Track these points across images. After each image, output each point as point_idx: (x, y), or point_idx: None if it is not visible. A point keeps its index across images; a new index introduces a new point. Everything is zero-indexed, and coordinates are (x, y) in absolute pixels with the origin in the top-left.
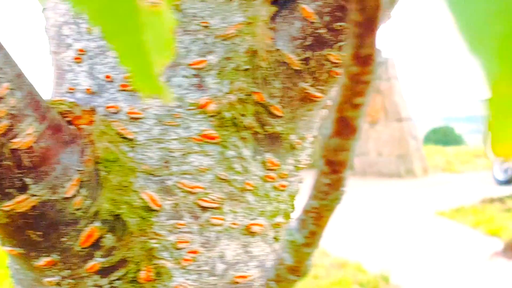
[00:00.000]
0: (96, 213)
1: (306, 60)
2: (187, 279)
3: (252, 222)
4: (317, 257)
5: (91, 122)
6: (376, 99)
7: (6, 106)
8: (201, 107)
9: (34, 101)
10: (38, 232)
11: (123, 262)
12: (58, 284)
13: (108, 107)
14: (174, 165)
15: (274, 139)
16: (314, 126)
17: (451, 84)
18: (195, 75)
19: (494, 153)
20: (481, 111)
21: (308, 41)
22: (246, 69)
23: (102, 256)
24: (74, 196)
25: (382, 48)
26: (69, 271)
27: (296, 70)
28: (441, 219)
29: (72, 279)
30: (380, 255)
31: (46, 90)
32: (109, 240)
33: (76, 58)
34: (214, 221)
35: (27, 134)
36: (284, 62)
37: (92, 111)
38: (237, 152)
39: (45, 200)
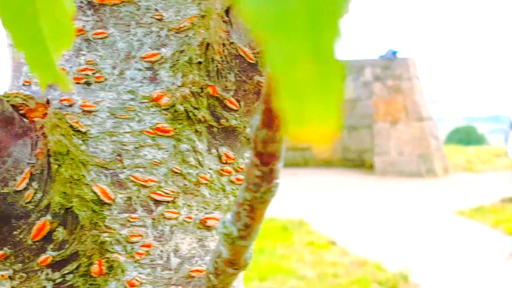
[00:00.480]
0: (47, 206)
1: (259, 53)
2: (141, 273)
3: (208, 216)
4: (337, 255)
5: (44, 115)
6: (397, 99)
7: None
8: (155, 100)
9: None
10: None
11: (75, 255)
12: (10, 277)
13: (62, 100)
14: (127, 158)
15: (229, 132)
16: None
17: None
18: (149, 68)
19: (288, 138)
20: (504, 110)
21: None
22: (200, 62)
23: (54, 250)
24: (25, 189)
25: (403, 47)
26: (21, 264)
27: (251, 64)
28: (461, 219)
29: (25, 272)
30: (399, 254)
31: (4, 83)
32: (60, 233)
33: None
34: (168, 214)
35: None
36: (239, 55)
37: (46, 104)
38: (192, 146)
39: None
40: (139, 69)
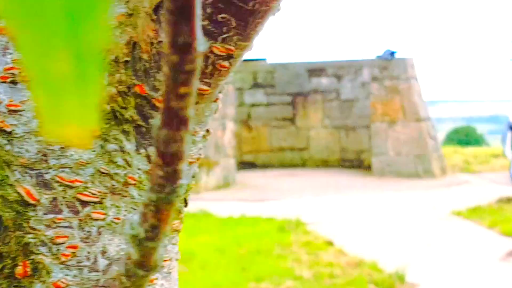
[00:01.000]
0: None
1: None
2: (67, 275)
3: None
4: (334, 256)
5: None
6: (395, 99)
7: None
8: None
9: None
10: None
11: None
12: None
13: None
14: (52, 158)
15: None
16: (205, 120)
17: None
18: None
19: (46, 135)
20: (503, 111)
21: None
22: (127, 61)
23: None
24: None
25: (401, 47)
26: None
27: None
28: (457, 219)
29: None
30: (396, 254)
31: None
32: None
33: None
34: (95, 215)
35: None
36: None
37: None
38: (119, 146)
39: None
40: None
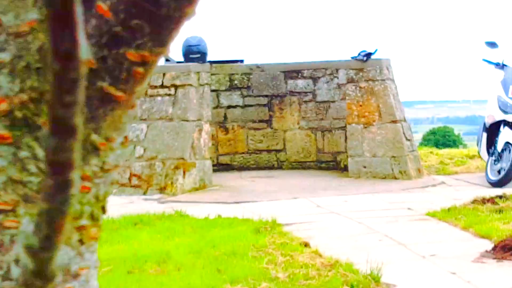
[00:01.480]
0: None
1: (103, 58)
2: None
3: None
4: (309, 257)
5: None
6: (371, 101)
7: None
8: None
9: None
10: None
11: None
12: None
13: None
14: None
15: None
16: (123, 127)
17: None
18: None
19: None
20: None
21: (104, 39)
22: (39, 68)
23: None
24: None
25: (377, 48)
26: None
27: (92, 69)
28: (432, 220)
29: None
30: (371, 255)
31: None
32: None
33: None
34: (8, 224)
35: None
36: None
37: None
38: (32, 153)
39: None
40: None
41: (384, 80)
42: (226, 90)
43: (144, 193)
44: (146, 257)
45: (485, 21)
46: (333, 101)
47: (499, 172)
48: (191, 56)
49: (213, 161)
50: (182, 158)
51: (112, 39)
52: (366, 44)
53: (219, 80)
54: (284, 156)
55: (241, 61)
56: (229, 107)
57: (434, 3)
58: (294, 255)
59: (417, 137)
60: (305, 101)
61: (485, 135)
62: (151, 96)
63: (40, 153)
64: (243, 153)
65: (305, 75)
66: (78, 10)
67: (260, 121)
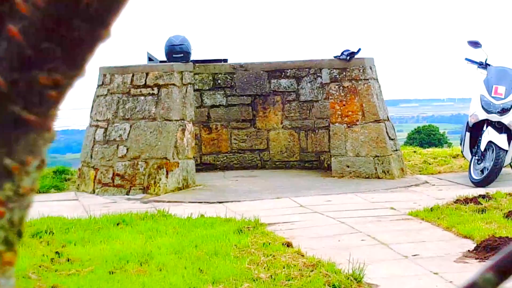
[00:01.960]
0: None
1: (14, 82)
2: None
3: None
4: (291, 257)
5: None
6: (354, 100)
7: None
8: None
9: None
10: None
11: None
12: None
13: None
14: None
15: None
16: (39, 150)
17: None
18: None
19: None
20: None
21: (16, 62)
22: None
23: None
24: None
25: (360, 48)
26: None
27: (3, 93)
28: (415, 220)
29: None
30: (353, 255)
31: None
32: None
33: None
34: None
35: None
36: None
37: None
38: None
39: None
40: None
41: (367, 79)
42: (209, 89)
43: (127, 193)
44: (128, 257)
45: (469, 20)
46: (317, 101)
47: (482, 171)
48: (174, 55)
49: (196, 160)
50: (165, 158)
51: (24, 62)
52: (350, 43)
53: (202, 79)
54: (268, 156)
55: (225, 60)
56: (212, 106)
57: (419, 2)
58: (276, 255)
59: (402, 135)
60: (289, 101)
61: (468, 134)
62: (134, 95)
63: None
64: (226, 152)
65: (288, 74)
66: None
67: (244, 120)
